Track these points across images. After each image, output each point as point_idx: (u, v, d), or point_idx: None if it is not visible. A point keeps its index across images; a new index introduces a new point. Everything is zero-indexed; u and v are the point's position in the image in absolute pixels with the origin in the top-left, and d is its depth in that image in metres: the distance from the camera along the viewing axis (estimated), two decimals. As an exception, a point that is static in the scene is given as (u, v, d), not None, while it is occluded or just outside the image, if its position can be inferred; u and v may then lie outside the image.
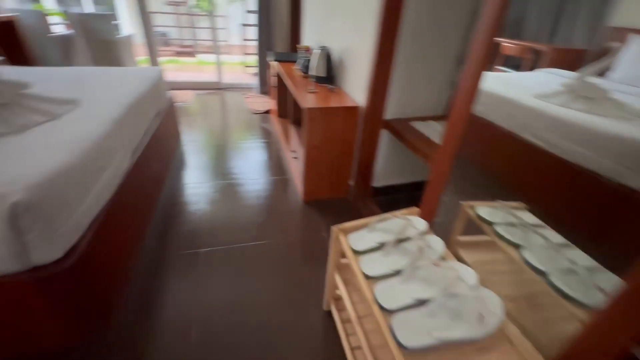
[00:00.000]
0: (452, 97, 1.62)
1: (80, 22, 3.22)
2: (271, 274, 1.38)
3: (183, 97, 3.45)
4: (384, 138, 1.69)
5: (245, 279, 1.34)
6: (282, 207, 1.81)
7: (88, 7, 5.41)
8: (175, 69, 5.28)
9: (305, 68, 2.10)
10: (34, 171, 0.86)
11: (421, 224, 0.98)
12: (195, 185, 1.96)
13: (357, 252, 0.90)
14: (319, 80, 1.96)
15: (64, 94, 1.50)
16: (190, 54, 6.43)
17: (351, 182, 1.87)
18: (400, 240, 0.91)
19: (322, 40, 2.26)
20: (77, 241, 0.93)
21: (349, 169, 1.83)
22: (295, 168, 2.03)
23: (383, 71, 1.47)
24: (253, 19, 3.76)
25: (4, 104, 1.19)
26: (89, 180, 1.04)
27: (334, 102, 1.64)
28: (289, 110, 2.10)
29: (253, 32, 5.15)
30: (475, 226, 1.10)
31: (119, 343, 1.08)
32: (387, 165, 1.80)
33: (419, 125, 1.55)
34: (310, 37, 2.71)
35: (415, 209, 1.07)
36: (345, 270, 1.10)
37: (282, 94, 2.67)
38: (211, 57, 6.20)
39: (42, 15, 3.08)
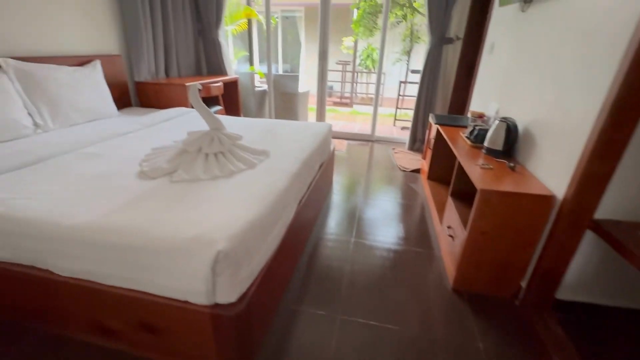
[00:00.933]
0: None
1: (275, 80, 4.06)
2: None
3: (337, 146, 3.75)
4: (587, 238, 1.28)
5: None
6: (423, 288, 1.60)
7: (281, 66, 6.89)
8: (332, 117, 5.92)
9: (476, 137, 1.89)
10: (234, 221, 1.01)
11: None
12: (336, 237, 1.98)
13: None
14: (493, 153, 1.72)
15: (259, 144, 1.82)
16: (348, 104, 7.14)
17: (523, 284, 1.48)
18: None
19: (501, 107, 2.02)
20: (247, 288, 1.03)
21: (523, 267, 1.46)
22: (447, 245, 1.78)
23: (608, 156, 1.13)
24: (414, 77, 3.85)
25: (223, 152, 1.53)
26: (267, 231, 1.16)
27: (517, 186, 1.37)
28: (453, 181, 1.90)
29: (410, 88, 5.30)
30: None
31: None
32: (586, 276, 1.34)
33: (658, 239, 1.09)
34: (482, 101, 2.49)
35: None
36: None
37: (439, 157, 2.51)
38: (364, 108, 6.72)
39: (252, 76, 4.05)
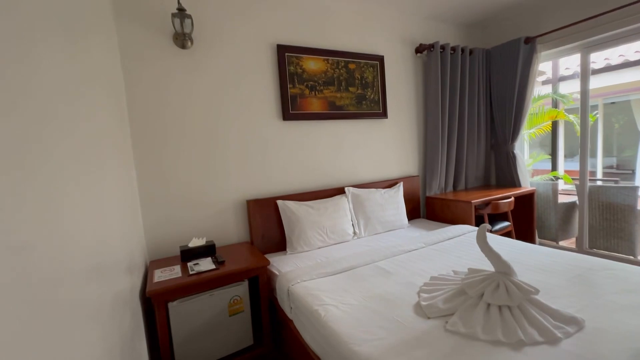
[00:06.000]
0: None
1: (591, 192, 3.12)
2: None
3: None
4: None
5: None
6: None
7: (600, 161, 5.29)
8: None
9: None
10: None
11: None
12: None
13: None
14: None
15: (565, 300, 1.36)
16: None
17: None
18: None
19: None
20: None
21: None
22: None
23: None
24: None
25: (511, 307, 1.27)
26: None
27: None
28: None
29: None
30: None
31: None
32: None
33: None
34: None
35: None
36: None
37: None
38: None
39: (554, 185, 3.37)
